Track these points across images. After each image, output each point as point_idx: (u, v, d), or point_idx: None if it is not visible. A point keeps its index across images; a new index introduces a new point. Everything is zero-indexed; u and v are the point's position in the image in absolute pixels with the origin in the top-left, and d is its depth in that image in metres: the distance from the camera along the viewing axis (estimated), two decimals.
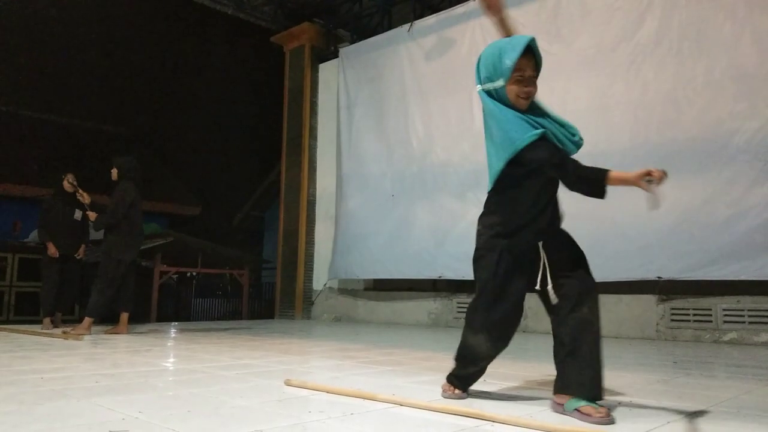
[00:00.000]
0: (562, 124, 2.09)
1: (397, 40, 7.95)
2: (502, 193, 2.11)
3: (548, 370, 2.03)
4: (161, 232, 8.56)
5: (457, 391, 2.26)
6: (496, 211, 2.14)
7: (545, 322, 2.19)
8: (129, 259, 5.39)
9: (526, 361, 3.63)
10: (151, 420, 1.81)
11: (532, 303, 2.17)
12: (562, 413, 1.95)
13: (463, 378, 2.28)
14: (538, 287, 2.05)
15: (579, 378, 1.94)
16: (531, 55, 2.06)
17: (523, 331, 5.60)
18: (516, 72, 2.03)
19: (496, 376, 2.89)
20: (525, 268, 2.09)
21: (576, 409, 1.90)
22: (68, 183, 5.95)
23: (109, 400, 2.12)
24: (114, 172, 5.53)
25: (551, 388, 2.06)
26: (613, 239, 5.54)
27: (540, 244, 2.08)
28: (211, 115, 15.97)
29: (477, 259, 2.18)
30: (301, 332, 6.16)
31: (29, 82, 13.31)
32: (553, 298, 2.03)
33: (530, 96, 2.07)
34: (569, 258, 2.08)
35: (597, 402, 1.91)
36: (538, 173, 2.03)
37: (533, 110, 2.10)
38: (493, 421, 1.84)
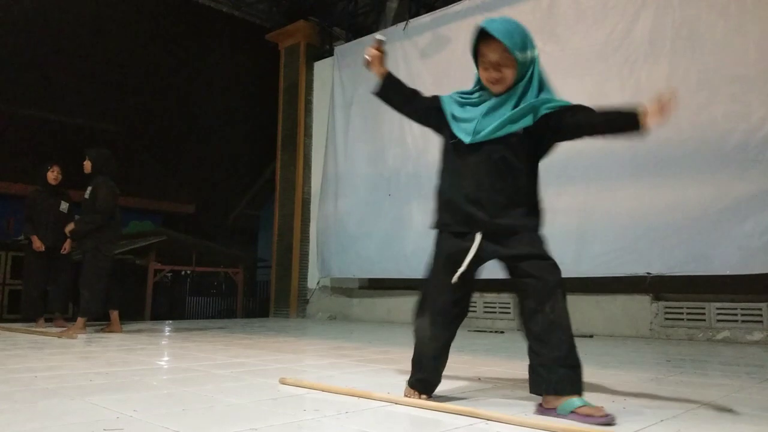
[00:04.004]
0: (499, 117, 2.02)
1: (392, 39, 7.93)
2: (440, 173, 2.19)
3: None
4: (155, 230, 8.54)
5: (423, 396, 2.13)
6: (437, 190, 2.20)
7: None
8: (113, 254, 5.41)
9: (521, 359, 3.64)
10: (146, 418, 1.81)
11: None
12: (555, 417, 1.86)
13: (422, 381, 2.16)
14: (456, 276, 2.00)
15: (563, 377, 1.87)
16: (494, 39, 2.00)
17: (517, 330, 5.55)
18: (481, 58, 2.07)
19: (490, 374, 2.90)
20: (459, 255, 2.04)
21: (573, 412, 1.82)
22: (53, 175, 5.89)
23: (104, 399, 2.11)
24: (87, 164, 5.34)
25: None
26: (603, 235, 5.58)
27: (479, 234, 2.02)
28: (206, 113, 15.92)
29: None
30: (296, 331, 6.16)
31: (22, 80, 13.23)
32: (455, 280, 2.01)
33: (497, 82, 2.02)
34: (527, 255, 1.98)
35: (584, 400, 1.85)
36: (453, 147, 2.13)
37: (510, 97, 2.03)
38: (488, 420, 1.85)
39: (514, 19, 2.07)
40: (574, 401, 1.85)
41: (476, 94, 2.13)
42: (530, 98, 2.02)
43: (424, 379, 2.16)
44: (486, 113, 2.05)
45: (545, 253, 1.99)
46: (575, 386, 1.88)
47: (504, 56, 1.99)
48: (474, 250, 2.00)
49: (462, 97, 2.15)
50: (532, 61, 2.04)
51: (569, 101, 2.05)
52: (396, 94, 2.29)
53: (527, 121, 2.01)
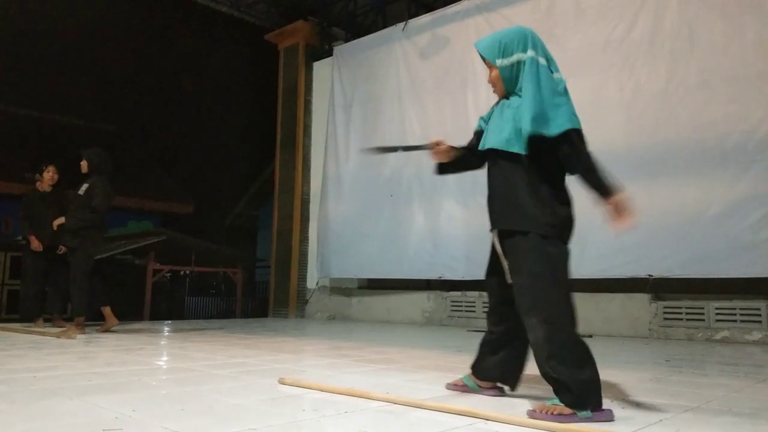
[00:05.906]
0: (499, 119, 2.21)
1: (391, 39, 7.94)
2: None
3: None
4: (154, 231, 8.54)
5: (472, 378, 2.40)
6: None
7: None
8: (97, 255, 5.42)
9: None
10: (145, 418, 1.81)
11: None
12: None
13: (476, 364, 2.42)
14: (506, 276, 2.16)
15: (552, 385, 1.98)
16: None
17: None
18: None
19: None
20: (493, 253, 2.29)
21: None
22: (48, 175, 5.90)
23: (102, 399, 2.11)
24: (84, 164, 5.36)
25: (543, 387, 2.06)
26: (604, 237, 5.56)
27: (494, 232, 2.21)
28: (205, 113, 15.93)
29: None
30: (295, 331, 6.16)
31: (19, 80, 13.23)
32: (508, 278, 2.14)
33: (492, 85, 2.27)
34: (511, 277, 2.14)
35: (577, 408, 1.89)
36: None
37: (505, 104, 2.21)
38: (486, 419, 1.85)
39: (511, 27, 2.25)
40: (553, 400, 1.94)
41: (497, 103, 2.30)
42: (516, 102, 2.14)
43: (477, 362, 2.37)
44: (490, 123, 2.28)
45: (520, 272, 2.07)
46: (557, 393, 1.94)
47: (488, 64, 2.23)
48: (498, 248, 2.20)
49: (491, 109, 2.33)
50: (519, 63, 2.14)
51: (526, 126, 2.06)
52: (468, 167, 2.60)
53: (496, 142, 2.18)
